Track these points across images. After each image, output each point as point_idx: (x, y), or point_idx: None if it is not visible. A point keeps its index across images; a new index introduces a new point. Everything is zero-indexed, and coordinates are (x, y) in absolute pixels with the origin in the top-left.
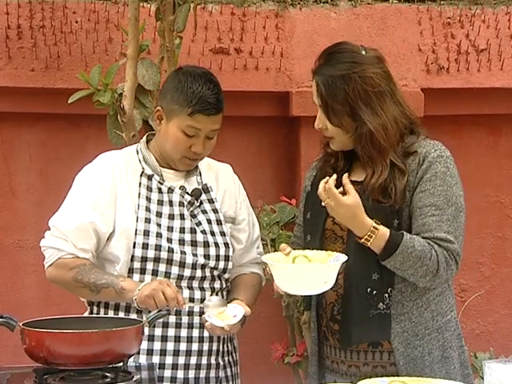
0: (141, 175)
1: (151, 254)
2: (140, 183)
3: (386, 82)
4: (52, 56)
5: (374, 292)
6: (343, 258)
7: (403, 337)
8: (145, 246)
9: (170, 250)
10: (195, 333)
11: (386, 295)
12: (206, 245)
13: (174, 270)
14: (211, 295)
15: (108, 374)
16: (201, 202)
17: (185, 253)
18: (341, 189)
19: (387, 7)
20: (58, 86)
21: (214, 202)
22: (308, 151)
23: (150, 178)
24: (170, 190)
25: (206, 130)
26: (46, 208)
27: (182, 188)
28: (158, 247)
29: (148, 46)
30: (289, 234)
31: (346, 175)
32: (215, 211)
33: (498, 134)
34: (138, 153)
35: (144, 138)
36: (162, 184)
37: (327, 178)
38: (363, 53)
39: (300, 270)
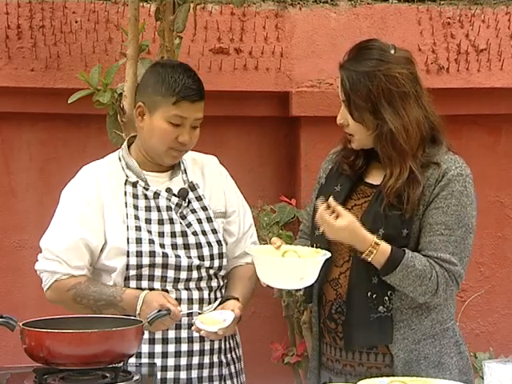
0: (125, 184)
1: (146, 260)
2: (125, 192)
3: (411, 83)
4: (52, 56)
5: (374, 295)
6: (326, 255)
7: (403, 343)
8: (139, 254)
9: (165, 255)
10: (195, 333)
11: (386, 298)
12: (199, 246)
13: (170, 273)
14: (209, 294)
15: (108, 374)
16: (189, 202)
17: (179, 256)
18: (334, 214)
19: (387, 7)
20: (58, 86)
21: (202, 200)
22: (308, 151)
23: (134, 185)
24: (156, 195)
25: (191, 119)
26: (46, 208)
27: (168, 190)
28: (152, 253)
29: (148, 46)
30: (289, 234)
31: (331, 200)
32: (204, 209)
33: (498, 134)
34: (120, 160)
35: (125, 142)
36: (147, 190)
37: (321, 204)
38: (392, 52)
39: (275, 263)
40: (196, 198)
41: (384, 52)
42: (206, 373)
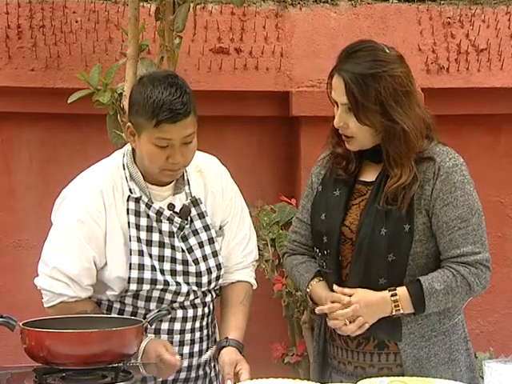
0: (127, 200)
1: (146, 287)
2: (128, 209)
3: (410, 81)
4: (52, 56)
5: None
6: None
7: (410, 338)
8: (140, 281)
9: (166, 283)
10: (197, 335)
11: None
12: (199, 275)
13: (168, 296)
14: (203, 309)
15: (108, 374)
16: (191, 220)
17: (179, 284)
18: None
19: (387, 7)
20: (58, 86)
21: (204, 217)
22: (308, 151)
23: (137, 200)
24: (159, 215)
25: (179, 138)
26: (46, 208)
27: (170, 207)
28: (153, 281)
29: (148, 46)
30: None
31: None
32: (206, 228)
33: (498, 134)
34: (124, 168)
35: (129, 149)
36: (149, 208)
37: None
38: (387, 51)
39: None
40: (198, 214)
41: (381, 52)
42: (201, 371)
